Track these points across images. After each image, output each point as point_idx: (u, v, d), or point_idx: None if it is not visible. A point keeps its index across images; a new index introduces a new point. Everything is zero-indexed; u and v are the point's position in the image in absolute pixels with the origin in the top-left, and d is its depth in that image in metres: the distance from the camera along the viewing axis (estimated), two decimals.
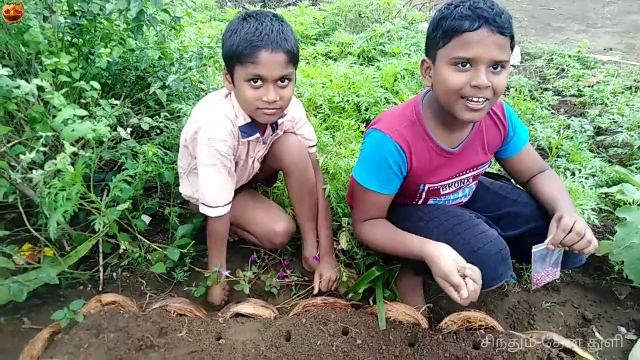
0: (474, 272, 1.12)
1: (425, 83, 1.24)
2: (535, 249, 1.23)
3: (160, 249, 1.71)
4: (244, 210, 1.71)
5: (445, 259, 1.14)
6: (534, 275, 1.29)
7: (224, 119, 1.44)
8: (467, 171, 1.38)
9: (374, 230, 1.36)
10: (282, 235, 1.70)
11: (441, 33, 1.11)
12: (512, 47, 1.12)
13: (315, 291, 1.64)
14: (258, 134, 1.53)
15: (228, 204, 1.53)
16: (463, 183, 1.41)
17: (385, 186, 1.31)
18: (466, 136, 1.32)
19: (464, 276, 1.11)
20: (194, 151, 1.51)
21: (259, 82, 1.33)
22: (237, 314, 1.50)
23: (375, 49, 3.64)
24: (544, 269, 1.28)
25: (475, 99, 1.11)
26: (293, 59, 1.35)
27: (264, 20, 1.30)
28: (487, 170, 1.56)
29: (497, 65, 1.10)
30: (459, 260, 1.14)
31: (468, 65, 1.10)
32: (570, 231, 1.16)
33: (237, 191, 1.67)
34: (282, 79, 1.35)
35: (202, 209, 1.52)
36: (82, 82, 1.53)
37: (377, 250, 1.56)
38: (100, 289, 1.67)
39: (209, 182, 1.47)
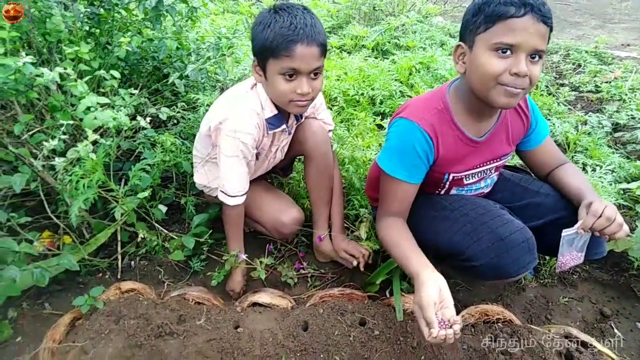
0: (455, 320, 1.05)
1: (457, 69, 1.22)
2: (565, 232, 1.22)
3: (177, 238, 1.73)
4: (255, 200, 1.71)
5: (429, 289, 1.07)
6: (559, 258, 1.28)
7: (251, 111, 1.46)
8: (491, 161, 1.37)
9: (389, 232, 1.33)
10: (289, 225, 1.70)
11: (483, 18, 1.10)
12: (548, 40, 1.11)
13: (362, 267, 1.66)
14: (284, 125, 1.55)
15: (245, 193, 1.56)
16: (486, 173, 1.40)
17: (413, 175, 1.30)
18: (492, 126, 1.31)
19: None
20: (216, 140, 1.52)
21: (293, 75, 1.34)
22: (255, 304, 1.51)
23: (389, 42, 3.62)
24: (570, 253, 1.27)
25: (513, 86, 1.10)
26: (324, 51, 1.37)
27: (296, 14, 1.31)
28: (507, 163, 1.55)
29: (535, 54, 1.09)
30: (445, 296, 1.08)
31: (509, 51, 1.08)
32: (600, 216, 1.15)
33: (251, 182, 1.68)
34: (315, 71, 1.36)
35: (221, 197, 1.54)
36: (102, 71, 1.54)
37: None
38: (118, 276, 1.68)
39: (230, 172, 1.49)
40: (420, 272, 1.13)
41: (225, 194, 1.52)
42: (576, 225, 1.20)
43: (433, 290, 1.07)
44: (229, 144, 1.45)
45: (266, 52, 1.33)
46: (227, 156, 1.47)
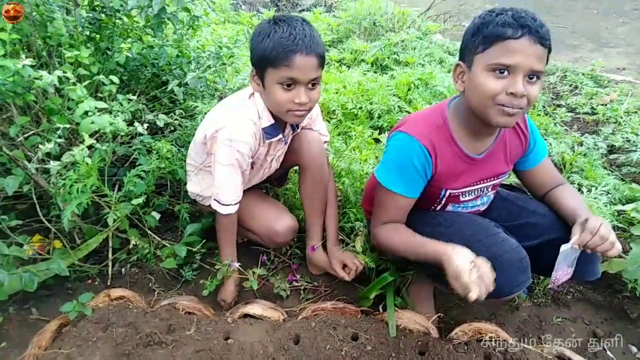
0: (486, 267, 1.09)
1: (457, 88, 1.23)
2: (563, 248, 1.22)
3: (170, 245, 1.71)
4: (248, 209, 1.70)
5: (459, 259, 1.10)
6: (553, 274, 1.28)
7: (248, 120, 1.46)
8: (488, 180, 1.37)
9: (393, 233, 1.34)
10: (283, 233, 1.68)
11: (482, 38, 1.11)
12: (547, 61, 1.12)
13: (349, 279, 1.65)
14: (281, 135, 1.55)
15: (238, 202, 1.55)
16: (482, 191, 1.41)
17: (410, 189, 1.30)
18: (490, 144, 1.32)
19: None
20: (211, 148, 1.51)
21: (292, 85, 1.35)
22: (246, 315, 1.49)
23: (389, 57, 3.64)
24: (562, 269, 1.26)
25: (510, 106, 1.11)
26: (322, 62, 1.38)
27: (296, 25, 1.33)
28: (504, 182, 1.55)
29: (533, 75, 1.10)
30: (475, 260, 1.11)
31: (506, 72, 1.10)
32: (596, 233, 1.15)
33: (245, 191, 1.67)
34: (313, 81, 1.37)
35: (214, 205, 1.53)
36: (101, 76, 1.54)
37: (392, 253, 1.52)
38: (108, 283, 1.66)
39: (225, 180, 1.48)
40: (444, 250, 1.16)
41: (219, 202, 1.52)
42: (571, 241, 1.20)
43: (463, 259, 1.10)
44: (225, 152, 1.44)
45: (265, 61, 1.34)
46: (222, 164, 1.46)
